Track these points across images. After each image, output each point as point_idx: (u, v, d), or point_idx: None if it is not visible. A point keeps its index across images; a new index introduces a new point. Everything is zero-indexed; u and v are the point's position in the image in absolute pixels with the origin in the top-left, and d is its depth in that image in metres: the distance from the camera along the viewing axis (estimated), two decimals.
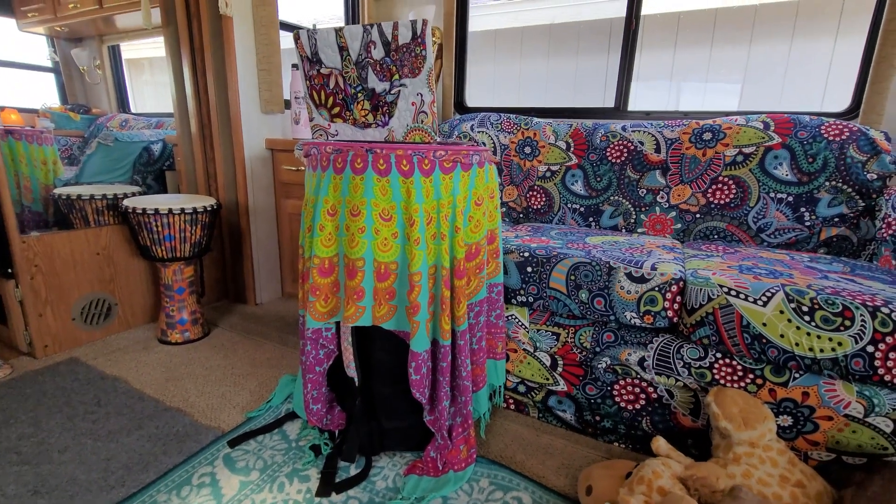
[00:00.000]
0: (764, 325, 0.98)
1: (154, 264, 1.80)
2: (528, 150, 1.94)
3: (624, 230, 1.73)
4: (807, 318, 0.94)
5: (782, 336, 0.96)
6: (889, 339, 0.88)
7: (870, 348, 0.90)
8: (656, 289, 1.11)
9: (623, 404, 1.20)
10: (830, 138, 1.48)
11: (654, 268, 1.13)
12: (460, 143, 1.11)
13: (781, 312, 0.96)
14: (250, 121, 1.94)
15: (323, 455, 1.11)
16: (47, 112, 2.54)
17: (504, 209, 1.96)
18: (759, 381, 1.04)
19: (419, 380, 0.98)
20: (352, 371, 1.06)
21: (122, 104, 2.77)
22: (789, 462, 0.95)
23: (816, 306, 0.94)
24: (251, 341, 1.73)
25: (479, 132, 2.05)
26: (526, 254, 1.27)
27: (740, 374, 1.05)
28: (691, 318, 1.07)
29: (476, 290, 1.07)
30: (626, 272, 1.14)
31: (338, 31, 0.93)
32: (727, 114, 1.85)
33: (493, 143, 2.01)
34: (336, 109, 1.01)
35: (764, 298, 0.99)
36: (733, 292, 1.02)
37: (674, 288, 1.09)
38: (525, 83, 3.58)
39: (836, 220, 1.45)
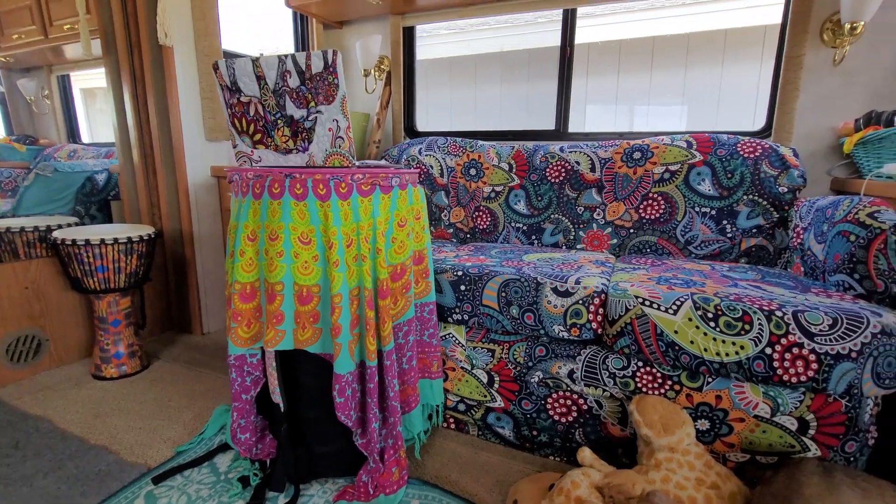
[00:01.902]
0: (675, 332, 1.02)
1: (88, 297, 1.74)
2: (473, 171, 1.99)
3: (564, 247, 1.79)
4: (712, 323, 0.99)
5: (692, 342, 1.01)
6: (784, 341, 0.94)
7: (768, 350, 0.95)
8: (580, 302, 1.14)
9: (557, 417, 1.22)
10: (746, 155, 1.58)
11: (577, 282, 1.17)
12: (388, 165, 1.14)
13: (690, 320, 1.01)
14: (194, 149, 1.93)
15: (251, 486, 1.08)
16: None
17: (451, 230, 2.00)
18: (676, 387, 1.08)
19: (344, 402, 0.98)
20: (277, 397, 1.04)
21: (72, 134, 2.71)
22: (706, 465, 0.99)
23: (720, 312, 0.99)
24: (192, 373, 1.68)
25: (426, 155, 2.10)
26: (459, 272, 1.29)
27: (660, 381, 1.09)
28: (612, 329, 1.11)
29: (403, 310, 1.08)
30: (552, 287, 1.18)
31: (254, 60, 0.96)
32: (657, 134, 1.95)
33: (441, 165, 2.05)
34: (258, 136, 1.03)
35: (674, 307, 1.04)
36: (647, 302, 1.06)
37: (596, 300, 1.14)
38: (481, 108, 3.69)
39: (755, 231, 1.54)
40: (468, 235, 1.97)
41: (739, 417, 1.03)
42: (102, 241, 1.48)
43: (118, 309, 1.60)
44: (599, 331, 1.15)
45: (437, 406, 1.26)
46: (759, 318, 0.96)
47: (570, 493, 0.89)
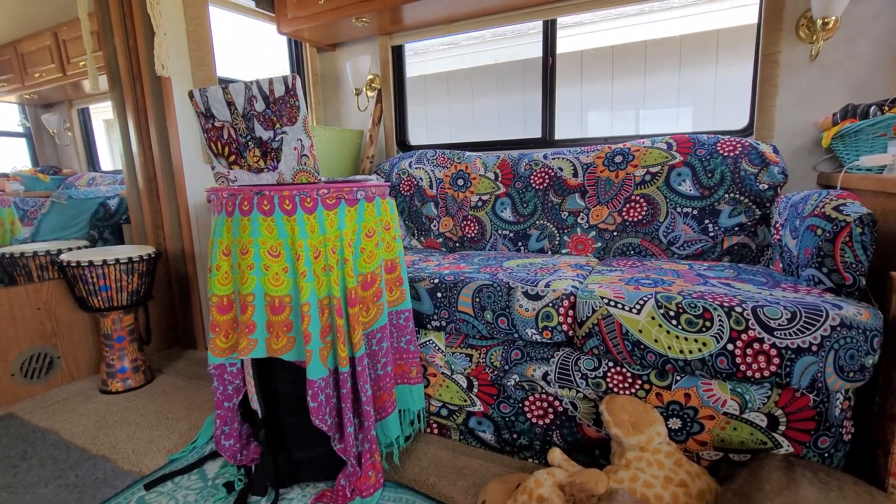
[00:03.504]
0: (640, 331, 1.04)
1: (94, 315, 1.84)
2: (460, 182, 2.04)
3: (550, 252, 1.81)
4: (674, 322, 1.00)
5: (656, 341, 1.02)
6: (744, 337, 0.94)
7: (730, 346, 0.96)
8: (550, 304, 1.17)
9: (535, 420, 1.24)
10: (725, 154, 1.58)
11: (547, 285, 1.20)
12: (361, 180, 1.20)
13: (653, 318, 1.03)
14: (194, 172, 2.03)
15: (236, 491, 1.12)
16: (17, 175, 2.63)
17: (441, 240, 2.04)
18: (646, 386, 1.08)
19: (317, 407, 1.02)
20: (255, 404, 1.09)
21: (92, 163, 2.87)
22: (675, 463, 0.99)
23: (681, 310, 1.00)
24: (192, 385, 1.75)
25: (416, 168, 2.15)
26: (436, 280, 1.33)
27: (630, 380, 1.10)
28: (581, 330, 1.12)
29: (375, 318, 1.13)
30: (523, 291, 1.21)
31: (224, 88, 1.03)
32: (639, 137, 1.96)
33: (430, 177, 2.11)
34: (232, 157, 1.10)
35: (637, 306, 1.05)
36: (612, 302, 1.08)
37: (566, 303, 1.16)
38: (478, 119, 3.75)
39: (737, 229, 1.54)
40: (457, 244, 2.01)
41: (710, 415, 1.03)
42: (104, 261, 1.57)
43: (122, 326, 1.69)
44: (570, 333, 1.16)
45: (419, 411, 1.29)
46: (718, 315, 0.97)
47: (533, 492, 0.91)
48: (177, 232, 2.06)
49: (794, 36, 1.64)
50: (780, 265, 1.33)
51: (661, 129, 3.25)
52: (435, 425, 1.40)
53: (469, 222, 1.98)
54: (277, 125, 1.01)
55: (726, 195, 1.56)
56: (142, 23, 1.87)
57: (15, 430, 1.46)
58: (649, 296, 1.06)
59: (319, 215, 1.01)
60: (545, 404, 1.22)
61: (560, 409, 1.20)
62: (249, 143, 1.06)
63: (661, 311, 1.02)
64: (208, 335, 1.05)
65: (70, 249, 1.96)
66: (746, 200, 1.54)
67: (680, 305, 1.01)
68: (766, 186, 1.52)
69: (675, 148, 1.67)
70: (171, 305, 2.14)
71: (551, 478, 0.94)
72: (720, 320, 0.96)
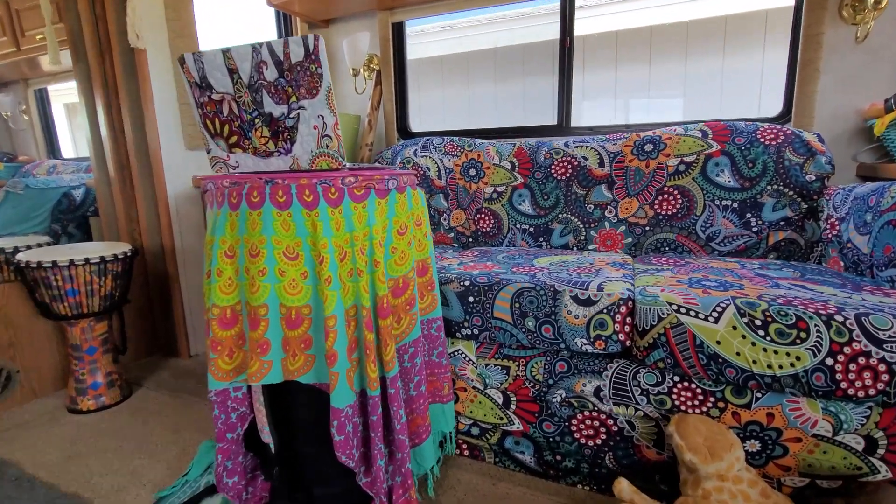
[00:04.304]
0: (718, 343, 0.90)
1: (60, 324, 1.60)
2: (472, 172, 1.87)
3: (575, 248, 1.67)
4: (761, 332, 0.87)
5: (738, 354, 0.89)
6: (847, 350, 0.82)
7: (829, 361, 0.83)
8: (605, 311, 1.02)
9: (583, 440, 1.10)
10: (767, 143, 1.47)
11: (600, 288, 1.05)
12: (382, 167, 1.02)
13: (734, 328, 0.89)
14: (174, 158, 1.80)
15: None
16: None
17: (452, 234, 1.87)
18: (720, 404, 0.95)
19: (344, 440, 0.85)
20: (267, 436, 0.91)
21: (52, 149, 2.57)
22: (761, 493, 0.86)
23: (769, 319, 0.87)
24: (179, 401, 1.55)
25: (422, 156, 1.97)
26: (467, 282, 1.17)
27: (701, 398, 0.97)
28: (643, 341, 0.98)
29: (408, 330, 0.96)
30: (571, 295, 1.06)
31: (225, 52, 0.83)
32: (667, 125, 1.84)
33: (438, 166, 1.93)
34: (234, 139, 0.90)
35: (715, 314, 0.91)
36: (683, 309, 0.94)
37: (623, 308, 1.01)
38: (474, 106, 3.57)
39: (782, 223, 1.42)
40: (470, 239, 1.85)
41: (796, 437, 0.91)
42: (72, 262, 1.34)
43: (93, 335, 1.46)
44: (628, 342, 1.02)
45: (450, 433, 1.13)
46: (816, 324, 0.84)
47: None
48: (154, 226, 1.82)
49: (836, 16, 1.53)
50: (842, 263, 1.22)
51: (664, 119, 3.15)
52: (465, 446, 1.24)
53: (483, 215, 1.81)
54: (293, 98, 0.82)
55: (769, 187, 1.45)
56: None
57: None
58: (727, 301, 0.92)
59: (346, 209, 0.83)
60: (596, 423, 1.08)
61: (614, 428, 1.06)
62: (256, 120, 0.87)
63: (745, 319, 0.89)
64: (208, 354, 0.86)
65: (29, 247, 1.70)
66: (791, 193, 1.42)
67: (767, 313, 0.88)
68: (814, 178, 1.41)
69: (710, 136, 1.54)
70: (149, 308, 1.91)
71: None
72: (818, 330, 0.84)
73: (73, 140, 2.51)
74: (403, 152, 2.02)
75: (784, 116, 1.67)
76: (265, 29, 2.34)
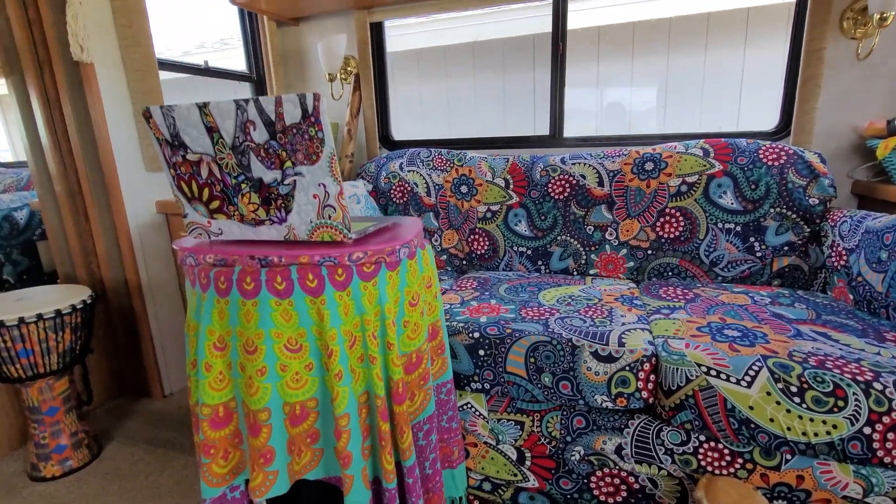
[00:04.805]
0: (751, 408, 0.86)
1: (14, 385, 1.42)
2: (464, 189, 1.77)
3: (575, 272, 1.61)
4: (797, 399, 0.83)
5: (772, 420, 0.85)
6: (886, 420, 0.79)
7: (867, 430, 0.80)
8: (627, 368, 0.96)
9: (603, 497, 1.05)
10: (769, 163, 1.43)
11: (622, 343, 0.99)
12: (384, 220, 0.91)
13: (769, 394, 0.85)
14: (133, 182, 1.61)
15: None
16: None
17: (445, 257, 1.78)
18: (748, 465, 0.92)
19: None
20: None
21: None
22: None
23: (805, 385, 0.83)
24: (155, 456, 1.42)
25: (409, 171, 1.85)
26: (476, 334, 1.08)
27: (728, 458, 0.93)
28: (670, 401, 0.93)
29: (422, 407, 0.87)
30: (591, 351, 0.99)
31: (201, 107, 0.70)
32: (667, 138, 1.78)
33: (426, 182, 1.82)
34: (215, 203, 0.77)
35: (748, 378, 0.87)
36: (713, 372, 0.89)
37: (646, 366, 0.96)
38: (452, 102, 3.44)
39: (786, 248, 1.40)
40: (464, 262, 1.76)
41: (825, 499, 0.89)
42: (21, 319, 1.18)
43: (53, 395, 1.30)
44: (651, 400, 0.97)
45: (460, 497, 1.07)
46: (854, 392, 0.81)
47: None
48: (115, 258, 1.64)
49: (837, 29, 1.50)
50: (851, 297, 1.20)
51: (643, 105, 3.11)
52: (476, 502, 1.18)
53: (477, 236, 1.73)
54: (288, 164, 0.70)
55: (772, 210, 1.42)
56: None
57: None
58: (759, 363, 0.88)
59: (355, 290, 0.73)
60: (617, 480, 1.03)
61: (635, 486, 1.02)
62: (243, 185, 0.74)
63: (780, 385, 0.85)
64: (199, 458, 0.75)
65: None
66: (794, 216, 1.40)
67: (803, 379, 0.84)
68: (817, 201, 1.38)
69: (712, 155, 1.50)
70: (114, 348, 1.74)
71: None
72: (856, 399, 0.80)
73: (9, 141, 2.23)
74: (388, 166, 1.89)
75: (782, 131, 1.65)
76: (230, 28, 2.12)
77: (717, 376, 0.89)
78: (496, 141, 2.03)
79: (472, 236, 1.73)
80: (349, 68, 2.08)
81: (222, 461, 0.76)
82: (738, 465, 0.93)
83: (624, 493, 1.04)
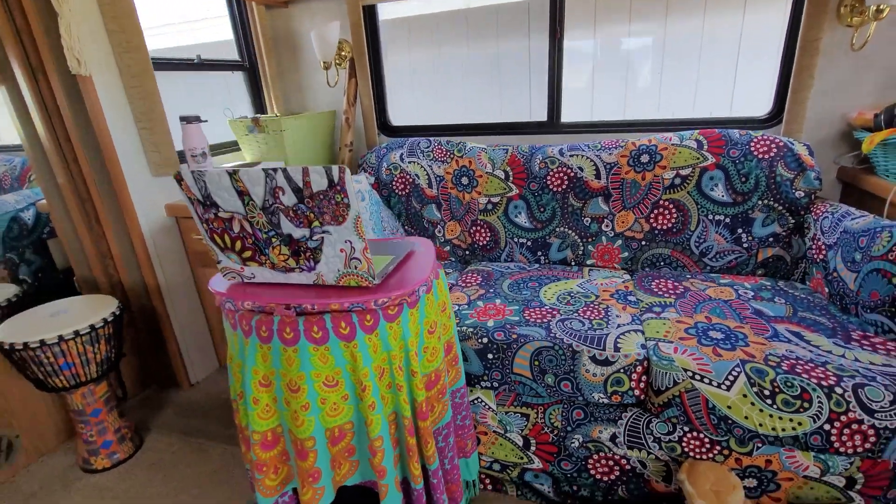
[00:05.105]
0: (728, 407, 0.98)
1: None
2: (465, 180, 1.82)
3: (573, 262, 1.70)
4: (769, 401, 0.96)
5: (746, 418, 0.98)
6: (844, 418, 0.92)
7: (826, 426, 0.93)
8: (622, 371, 1.08)
9: (599, 476, 1.21)
10: (760, 156, 1.49)
11: (617, 348, 1.10)
12: (397, 248, 0.98)
13: (745, 396, 0.97)
14: (141, 188, 1.64)
15: None
16: None
17: (448, 248, 1.86)
18: (725, 451, 1.06)
19: None
20: None
21: None
22: None
23: (777, 390, 0.95)
24: (192, 447, 1.56)
25: (409, 162, 1.89)
26: (484, 339, 1.19)
27: (708, 446, 1.07)
28: (659, 399, 1.06)
29: (441, 415, 0.99)
30: (590, 356, 1.10)
31: (231, 174, 0.75)
32: (662, 126, 1.81)
33: (428, 174, 1.86)
34: (248, 253, 0.84)
35: (728, 382, 0.99)
36: (697, 376, 1.01)
37: (639, 368, 1.07)
38: (444, 70, 3.36)
39: (771, 239, 1.49)
40: (467, 252, 1.84)
41: (788, 477, 1.04)
42: (60, 337, 1.26)
43: (95, 398, 1.42)
44: (642, 397, 1.10)
45: (473, 480, 1.21)
46: (818, 396, 0.93)
47: None
48: (131, 260, 1.71)
49: (834, 18, 1.50)
50: (826, 290, 1.31)
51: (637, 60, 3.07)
52: (488, 480, 1.34)
53: (479, 228, 1.80)
54: (316, 223, 0.76)
55: (760, 202, 1.49)
56: None
57: None
58: (738, 369, 0.99)
59: (382, 331, 0.81)
60: (611, 462, 1.18)
61: (627, 467, 1.17)
62: (273, 239, 0.80)
63: (755, 389, 0.97)
64: (253, 474, 0.87)
65: None
66: (780, 208, 1.48)
67: (775, 384, 0.95)
68: (802, 194, 1.46)
69: (706, 147, 1.55)
70: (137, 344, 1.84)
71: None
72: (819, 402, 0.93)
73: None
74: (388, 157, 1.92)
75: (774, 118, 1.68)
76: (218, 12, 2.05)
77: (701, 380, 1.00)
78: (494, 127, 2.05)
79: (473, 228, 1.80)
80: (343, 53, 2.05)
81: (273, 475, 0.88)
82: (716, 451, 1.07)
83: (617, 473, 1.19)
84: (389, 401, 0.87)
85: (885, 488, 1.00)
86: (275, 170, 0.73)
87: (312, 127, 1.99)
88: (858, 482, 1.00)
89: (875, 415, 0.90)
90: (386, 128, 2.17)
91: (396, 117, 2.20)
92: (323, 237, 0.78)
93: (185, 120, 1.58)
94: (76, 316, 1.36)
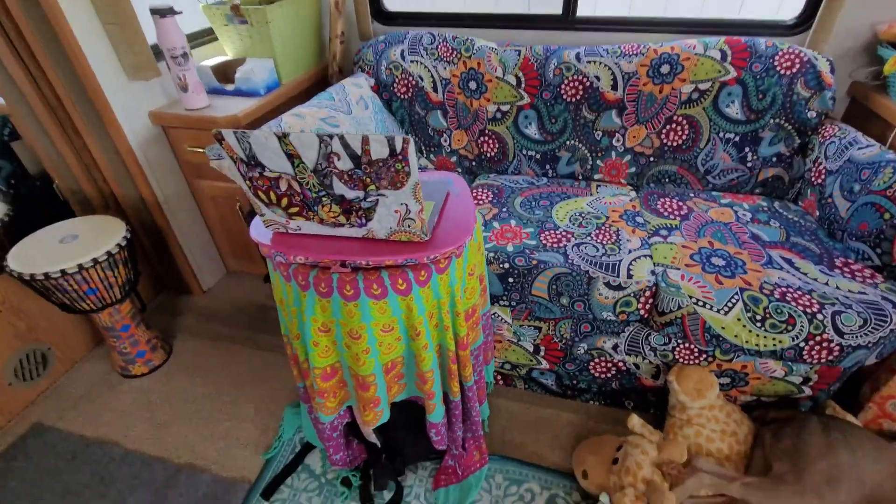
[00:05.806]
0: (722, 328, 1.14)
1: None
2: (473, 85, 1.71)
3: (581, 177, 1.72)
4: (759, 324, 1.10)
5: (736, 336, 1.13)
6: (818, 338, 1.08)
7: (801, 344, 1.10)
8: (632, 295, 1.20)
9: (597, 375, 1.41)
10: (782, 72, 1.46)
11: (630, 275, 1.20)
12: (434, 188, 0.99)
13: (738, 320, 1.12)
14: (119, 95, 1.48)
15: (355, 486, 1.24)
16: None
17: (455, 158, 1.82)
18: (710, 359, 1.25)
19: (440, 440, 1.07)
20: (373, 437, 1.12)
21: None
22: (727, 415, 1.23)
23: (768, 315, 1.10)
24: (221, 350, 1.68)
25: (412, 62, 1.74)
26: (506, 265, 1.26)
27: (696, 354, 1.25)
28: (662, 319, 1.20)
29: (475, 339, 1.10)
30: (604, 281, 1.21)
31: (281, 137, 0.70)
32: (684, 23, 1.69)
33: (432, 76, 1.73)
34: (294, 209, 0.83)
35: (726, 308, 1.12)
36: (700, 302, 1.14)
37: (647, 293, 1.19)
38: None
39: (774, 159, 1.54)
40: (474, 163, 1.82)
41: (757, 377, 1.25)
42: (80, 266, 1.25)
43: (122, 316, 1.46)
44: (647, 316, 1.24)
45: (490, 381, 1.40)
46: (801, 322, 1.08)
47: (637, 474, 1.12)
48: (122, 173, 1.61)
49: None
50: (816, 209, 1.41)
51: None
52: (499, 376, 1.54)
53: (487, 138, 1.75)
54: (372, 187, 0.75)
55: (772, 121, 1.51)
56: None
57: (61, 446, 1.38)
58: (737, 297, 1.12)
59: (434, 283, 0.86)
60: (609, 365, 1.37)
61: (623, 368, 1.37)
62: (324, 198, 0.79)
63: (749, 314, 1.11)
64: (314, 398, 0.98)
65: None
66: (790, 127, 1.50)
67: (767, 310, 1.09)
68: (815, 114, 1.47)
69: (729, 59, 1.49)
70: (143, 255, 1.83)
71: (647, 457, 1.14)
72: (801, 325, 1.08)
73: None
74: (388, 54, 1.76)
75: (802, 24, 1.60)
76: None
77: (704, 306, 1.14)
78: (503, 18, 1.85)
79: (481, 138, 1.76)
80: None
81: (332, 398, 1.00)
82: (702, 359, 1.26)
83: (613, 371, 1.39)
84: (436, 336, 0.96)
85: (831, 384, 1.23)
86: (331, 136, 0.69)
87: (299, 15, 1.75)
88: (812, 380, 1.23)
89: (844, 336, 1.07)
90: (381, 14, 1.93)
91: (392, 2, 1.94)
92: (378, 199, 0.77)
93: (158, 13, 1.37)
94: (88, 243, 1.33)
